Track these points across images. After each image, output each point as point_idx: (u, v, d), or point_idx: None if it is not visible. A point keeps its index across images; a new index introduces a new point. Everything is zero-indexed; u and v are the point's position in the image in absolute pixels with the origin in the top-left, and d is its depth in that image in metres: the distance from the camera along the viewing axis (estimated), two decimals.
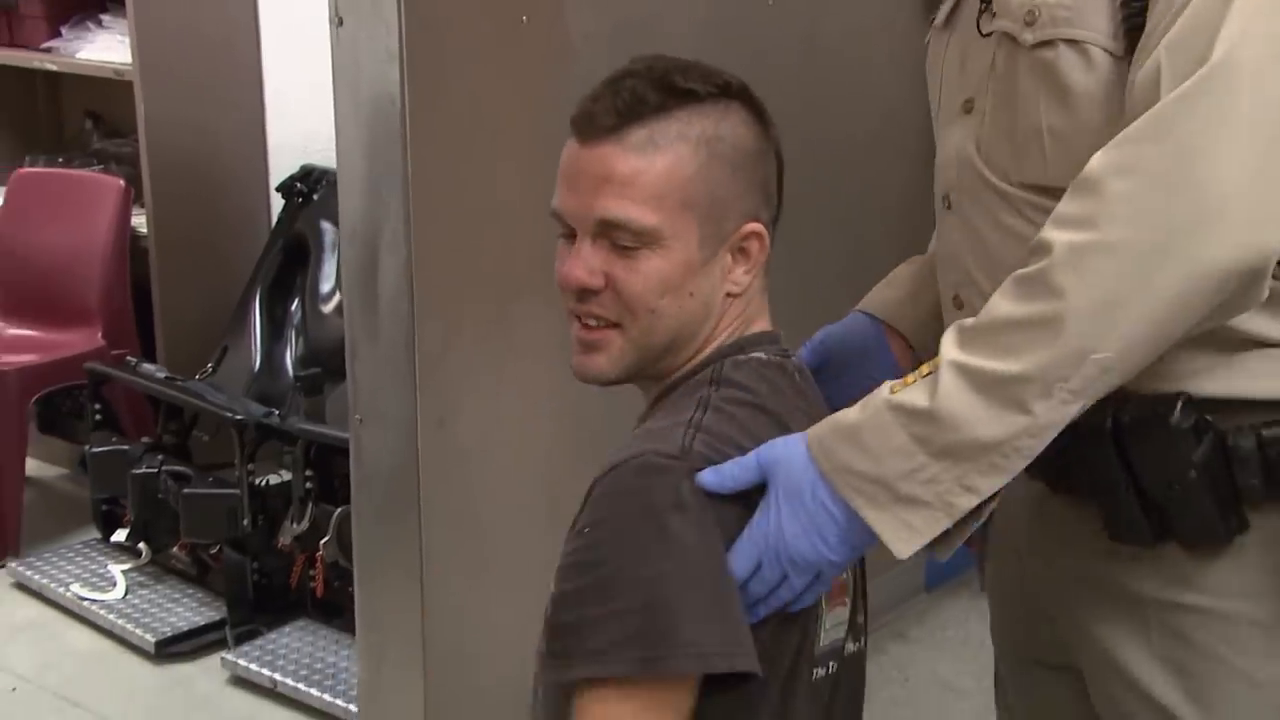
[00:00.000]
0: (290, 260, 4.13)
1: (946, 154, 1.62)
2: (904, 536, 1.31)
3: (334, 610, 3.50)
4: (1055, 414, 1.27)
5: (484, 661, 2.54)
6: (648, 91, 1.38)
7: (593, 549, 1.33)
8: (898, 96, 3.26)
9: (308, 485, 3.43)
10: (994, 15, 1.50)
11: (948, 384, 1.29)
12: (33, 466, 4.17)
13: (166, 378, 3.82)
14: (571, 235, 1.42)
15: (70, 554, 3.90)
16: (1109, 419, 1.41)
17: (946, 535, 1.33)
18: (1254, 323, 1.40)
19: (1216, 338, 1.39)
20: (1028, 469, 1.34)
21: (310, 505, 3.42)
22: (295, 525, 3.44)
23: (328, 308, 4.09)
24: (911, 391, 1.32)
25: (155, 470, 3.62)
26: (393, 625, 2.57)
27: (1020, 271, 1.31)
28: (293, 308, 4.14)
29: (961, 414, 1.28)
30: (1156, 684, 1.51)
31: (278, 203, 4.23)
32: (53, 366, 4.01)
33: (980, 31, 1.54)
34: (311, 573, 3.46)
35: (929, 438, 1.29)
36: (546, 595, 1.39)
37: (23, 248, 4.26)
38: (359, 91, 2.37)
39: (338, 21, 2.34)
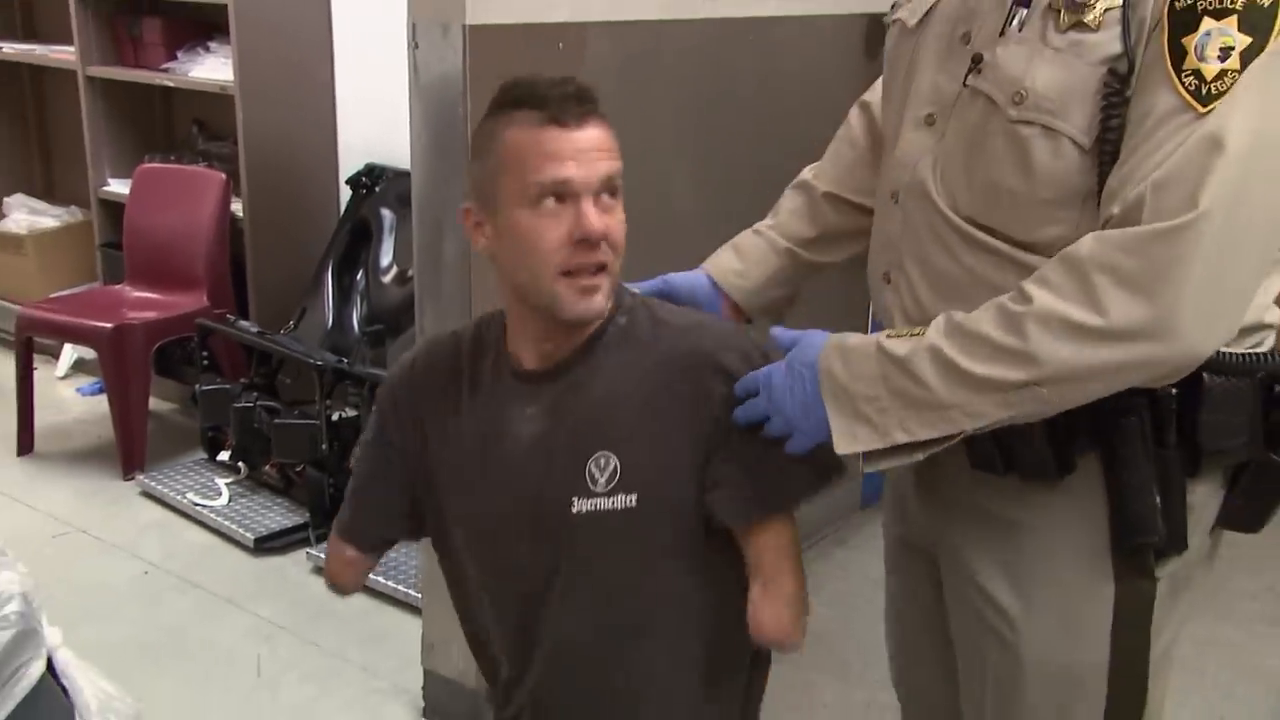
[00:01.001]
0: (356, 240, 4.15)
1: (904, 156, 1.52)
2: (846, 439, 1.37)
3: None
4: (989, 409, 1.31)
5: None
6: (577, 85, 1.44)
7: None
8: (844, 111, 3.26)
9: None
10: (979, 73, 1.41)
11: (922, 353, 1.33)
12: (152, 402, 4.20)
13: (259, 332, 3.89)
14: (562, 199, 1.40)
15: (185, 470, 3.98)
16: None
17: (878, 457, 1.38)
18: None
19: None
20: None
21: None
22: None
23: (387, 278, 4.11)
24: (897, 342, 1.36)
25: (252, 405, 3.69)
26: None
27: (1005, 303, 1.31)
28: (358, 278, 4.12)
29: (922, 374, 1.32)
30: (992, 581, 1.53)
31: (346, 193, 4.25)
32: (169, 322, 4.07)
33: (965, 84, 1.43)
34: None
35: (892, 378, 1.34)
36: None
37: (145, 228, 4.30)
38: (429, 100, 2.42)
39: (414, 45, 2.39)
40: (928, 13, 1.51)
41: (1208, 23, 1.24)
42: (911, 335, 1.36)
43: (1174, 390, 1.37)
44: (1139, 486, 1.42)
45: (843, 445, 1.38)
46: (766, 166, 3.09)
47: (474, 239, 1.50)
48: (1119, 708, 1.51)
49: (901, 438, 1.35)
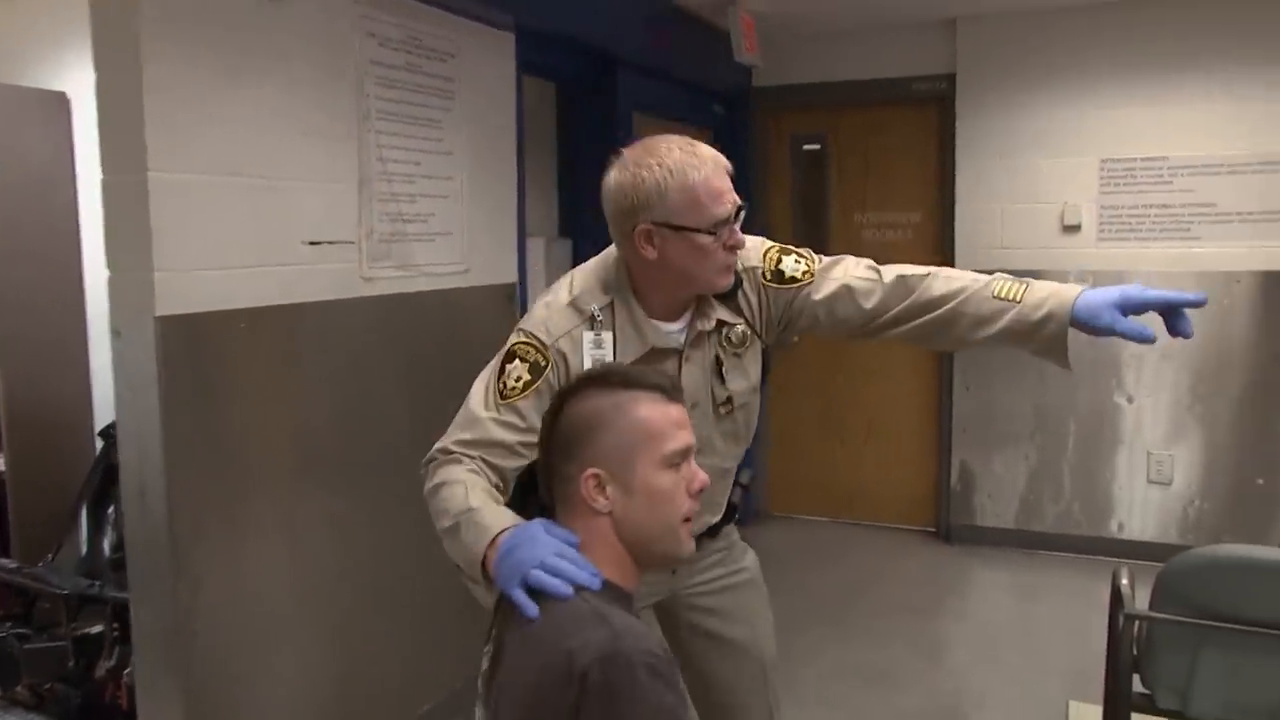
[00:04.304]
0: (105, 481, 3.82)
1: (717, 400, 1.88)
2: None
3: (133, 717, 3.17)
4: None
5: None
6: None
7: None
8: (481, 359, 3.20)
9: (115, 633, 3.19)
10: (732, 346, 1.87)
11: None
12: None
13: (17, 567, 3.45)
14: (682, 460, 1.43)
15: None
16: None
17: None
18: None
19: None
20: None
21: (116, 647, 3.18)
22: (107, 662, 3.16)
23: None
24: None
25: (4, 634, 3.25)
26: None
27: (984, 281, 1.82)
28: (109, 512, 3.80)
29: None
30: (722, 575, 2.02)
31: (98, 443, 3.93)
32: None
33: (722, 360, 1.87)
34: (118, 693, 3.15)
35: None
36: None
37: None
38: (132, 382, 2.31)
39: (117, 334, 2.31)
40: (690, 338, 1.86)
41: (785, 261, 1.85)
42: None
43: None
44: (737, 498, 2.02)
45: None
46: (417, 390, 3.08)
47: (594, 499, 1.39)
48: None
49: None
